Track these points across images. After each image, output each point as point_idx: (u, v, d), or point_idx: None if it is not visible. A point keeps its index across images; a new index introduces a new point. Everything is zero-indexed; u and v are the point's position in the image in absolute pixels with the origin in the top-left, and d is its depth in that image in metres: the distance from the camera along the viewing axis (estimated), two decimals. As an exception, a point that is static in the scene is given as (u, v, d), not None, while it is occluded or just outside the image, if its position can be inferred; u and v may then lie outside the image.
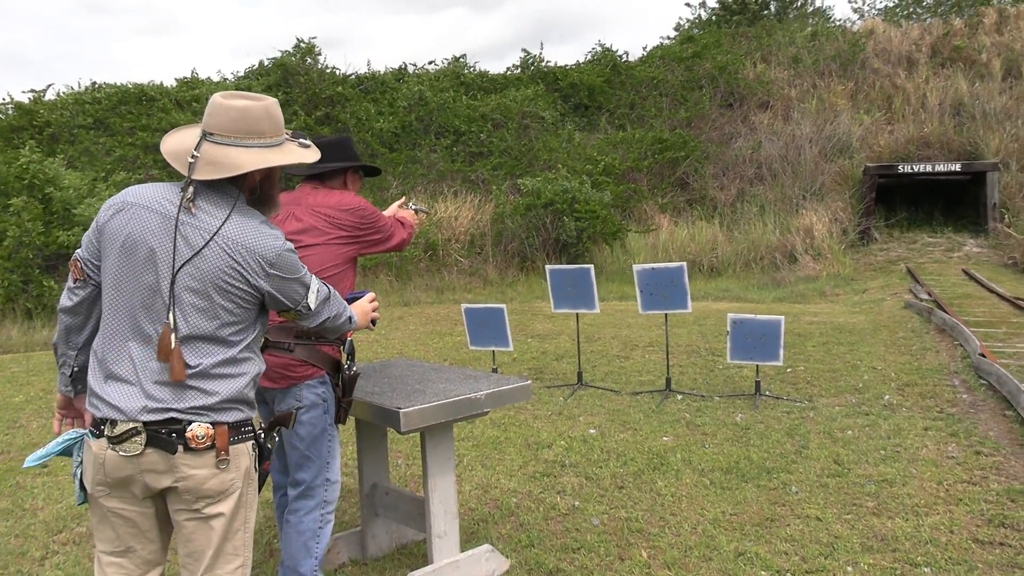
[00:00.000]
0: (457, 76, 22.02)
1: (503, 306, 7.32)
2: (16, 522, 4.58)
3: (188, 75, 20.85)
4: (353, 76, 20.92)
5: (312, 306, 2.42)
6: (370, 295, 2.88)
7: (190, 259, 2.20)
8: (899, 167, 18.75)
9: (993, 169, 18.12)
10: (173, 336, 2.18)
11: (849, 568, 3.64)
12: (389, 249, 3.49)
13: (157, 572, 2.36)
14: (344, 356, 3.18)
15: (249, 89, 19.27)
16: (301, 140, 2.43)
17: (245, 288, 2.25)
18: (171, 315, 2.19)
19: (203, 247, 2.20)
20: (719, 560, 3.78)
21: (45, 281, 12.17)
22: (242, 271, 2.23)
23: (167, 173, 16.50)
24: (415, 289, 14.83)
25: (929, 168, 18.60)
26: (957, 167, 18.46)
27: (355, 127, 18.88)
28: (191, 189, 2.24)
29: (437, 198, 17.37)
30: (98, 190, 13.22)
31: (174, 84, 20.13)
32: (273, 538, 4.17)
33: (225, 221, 2.23)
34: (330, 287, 2.54)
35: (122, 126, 17.95)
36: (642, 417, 6.25)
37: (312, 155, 2.43)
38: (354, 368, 3.14)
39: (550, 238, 16.36)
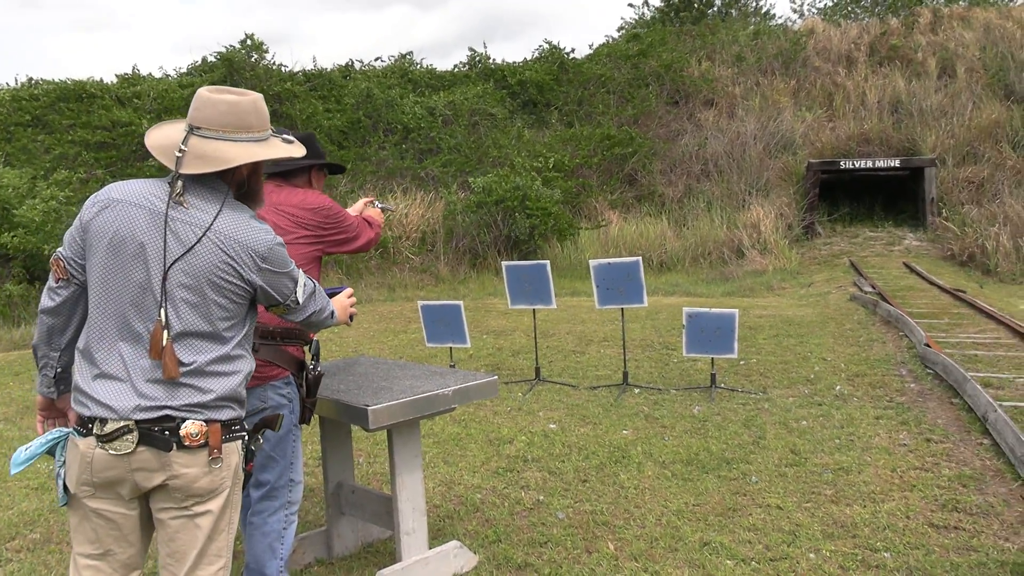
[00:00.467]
0: (404, 73, 21.93)
1: (460, 303, 7.30)
2: (-35, 531, 4.44)
3: (129, 71, 20.40)
4: (300, 73, 20.68)
5: (300, 300, 2.41)
6: (348, 290, 2.88)
7: (182, 255, 2.16)
8: (841, 163, 19.18)
9: (931, 165, 18.64)
10: (165, 333, 2.14)
11: (812, 555, 3.72)
12: (356, 249, 3.46)
13: None
14: (309, 356, 3.15)
15: (191, 86, 18.93)
16: (284, 136, 2.42)
17: (238, 283, 2.23)
18: (163, 312, 2.15)
19: (195, 243, 2.17)
20: (685, 551, 3.83)
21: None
22: (235, 266, 2.21)
23: (109, 172, 16.15)
24: (367, 287, 14.73)
25: (870, 164, 19.07)
26: (896, 163, 18.96)
27: (303, 124, 18.66)
28: (180, 184, 2.20)
29: (387, 195, 17.27)
30: (38, 189, 12.86)
31: (115, 80, 19.69)
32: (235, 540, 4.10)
33: (217, 216, 2.20)
34: (315, 282, 2.52)
35: (61, 123, 17.50)
36: (601, 411, 6.29)
37: (297, 150, 2.41)
38: (318, 368, 3.11)
39: (501, 235, 16.39)
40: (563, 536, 4.03)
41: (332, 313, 2.61)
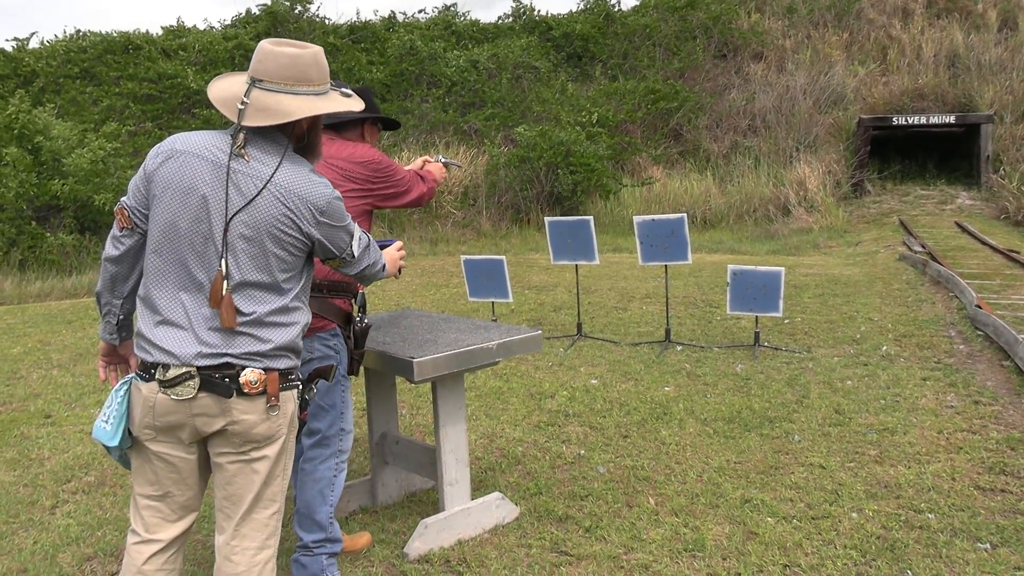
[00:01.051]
0: (448, 25, 21.74)
1: (503, 257, 7.30)
2: (24, 472, 4.60)
3: (174, 23, 20.51)
4: (345, 25, 20.61)
5: (355, 254, 2.44)
6: (398, 243, 2.90)
7: (243, 207, 2.19)
8: (893, 119, 18.71)
9: (987, 121, 18.10)
10: (225, 283, 2.17)
11: (854, 515, 3.70)
12: (407, 204, 3.45)
13: (192, 517, 2.39)
14: (355, 309, 3.17)
15: (236, 38, 18.98)
16: (343, 89, 2.42)
17: (297, 236, 2.25)
18: (223, 262, 2.18)
19: (256, 195, 2.19)
20: (725, 507, 3.83)
21: (39, 233, 12.08)
22: (294, 218, 2.23)
23: (157, 125, 16.33)
24: (409, 241, 14.79)
25: (923, 120, 18.57)
26: (951, 119, 18.43)
27: (345, 77, 18.65)
28: (242, 136, 2.22)
29: (429, 149, 17.25)
30: (88, 140, 13.05)
31: (160, 32, 19.80)
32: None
33: (277, 169, 2.22)
34: (368, 235, 2.54)
35: (109, 75, 17.68)
36: (643, 368, 6.28)
37: (356, 104, 2.42)
38: (365, 320, 3.14)
39: (544, 191, 16.30)
40: (604, 490, 4.06)
41: (383, 266, 2.63)
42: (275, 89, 2.25)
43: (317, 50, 2.33)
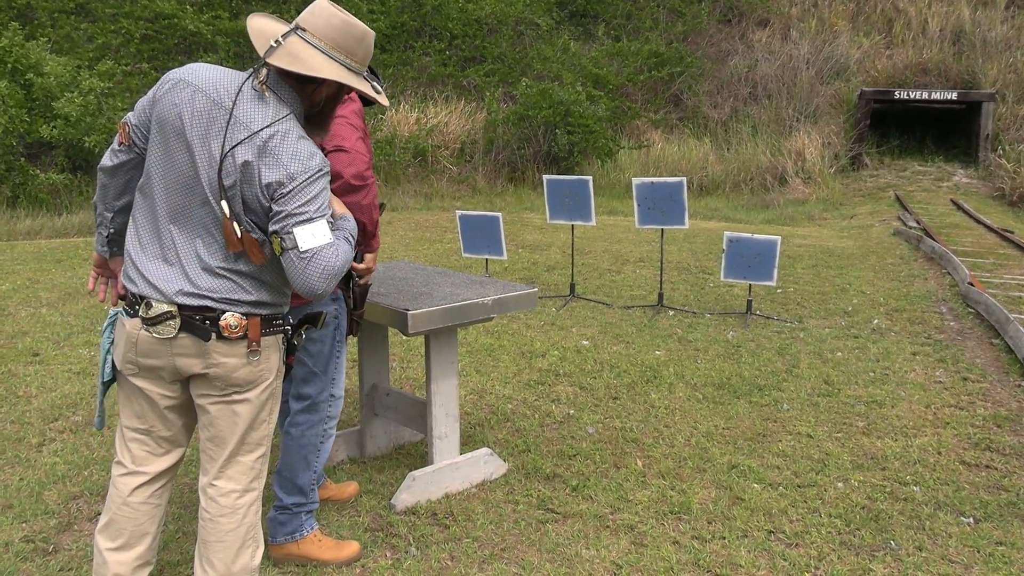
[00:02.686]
0: (451, -23, 21.35)
1: (498, 214, 7.25)
2: (11, 408, 4.58)
3: (173, -38, 20.06)
4: (345, -29, 20.23)
5: (301, 247, 2.11)
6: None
7: (230, 151, 2.12)
8: (895, 93, 18.58)
9: (989, 100, 18.02)
10: (235, 225, 2.13)
11: (840, 484, 3.72)
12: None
13: (179, 453, 2.39)
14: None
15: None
16: (375, 84, 2.36)
17: (261, 195, 2.14)
18: (224, 204, 2.13)
19: (236, 144, 2.12)
20: (712, 472, 3.85)
21: (29, 169, 11.93)
22: (264, 176, 2.12)
23: (153, 67, 16.07)
24: (403, 195, 14.69)
25: (925, 96, 18.46)
26: (953, 96, 18.33)
27: (345, 25, 18.35)
28: (265, 72, 2.17)
29: (428, 102, 17.06)
30: (80, 79, 12.84)
31: (158, -30, 19.38)
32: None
33: (272, 123, 2.14)
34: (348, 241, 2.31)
35: (105, 12, 17.34)
36: (634, 331, 6.28)
37: (382, 100, 2.37)
38: (364, 280, 3.09)
39: (541, 150, 16.18)
40: (592, 450, 4.07)
41: (326, 274, 2.16)
42: (315, 44, 2.20)
43: (369, 32, 2.29)
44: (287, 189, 2.12)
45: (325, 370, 3.12)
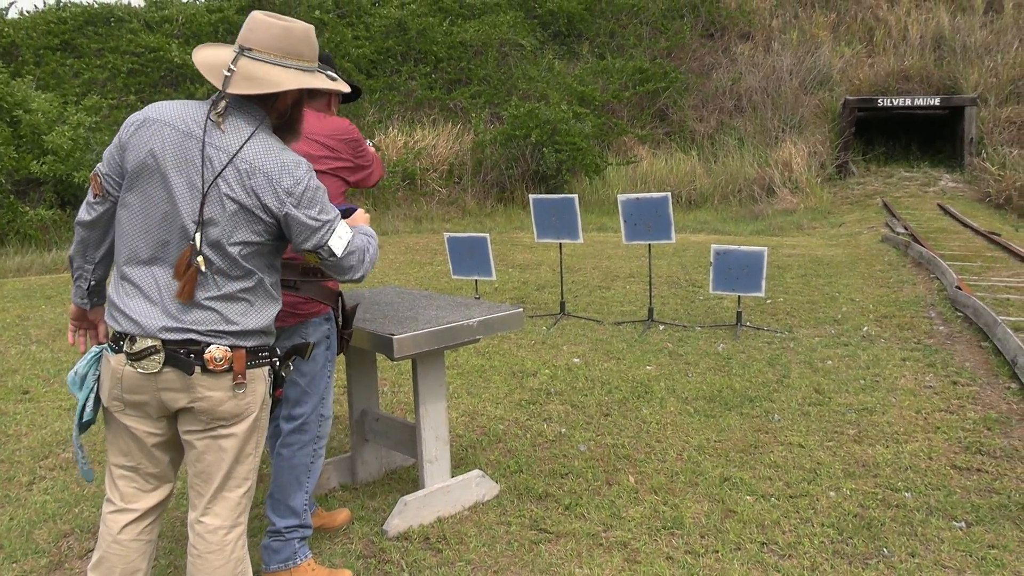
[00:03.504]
0: (435, 1, 21.52)
1: (486, 235, 7.28)
2: (0, 448, 4.56)
3: (157, -5, 20.19)
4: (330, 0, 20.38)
5: (338, 253, 2.28)
6: (360, 210, 2.78)
7: (214, 181, 2.14)
8: (879, 100, 18.74)
9: (971, 104, 18.16)
10: (195, 259, 2.14)
11: (832, 493, 3.73)
12: (371, 184, 3.41)
13: (167, 489, 2.38)
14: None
15: (220, 11, 18.75)
16: (329, 72, 2.37)
17: (261, 215, 2.18)
18: (198, 236, 2.14)
19: (222, 169, 2.14)
20: (705, 485, 3.85)
21: (18, 206, 11.93)
22: (257, 195, 2.16)
23: (140, 99, 16.13)
24: (393, 218, 14.73)
25: (908, 102, 18.61)
26: (936, 101, 18.48)
27: (332, 52, 18.46)
28: (223, 104, 2.17)
29: (415, 126, 17.13)
30: (67, 114, 12.88)
31: (143, 4, 19.52)
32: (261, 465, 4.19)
33: (245, 142, 2.16)
34: (367, 237, 2.43)
35: (90, 48, 17.42)
36: (625, 347, 6.29)
37: (343, 86, 2.40)
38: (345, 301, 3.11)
39: (529, 169, 16.25)
40: (584, 468, 4.07)
41: (369, 260, 2.42)
42: (264, 59, 2.21)
43: (309, 27, 2.30)
44: (294, 205, 2.18)
45: (317, 389, 3.14)
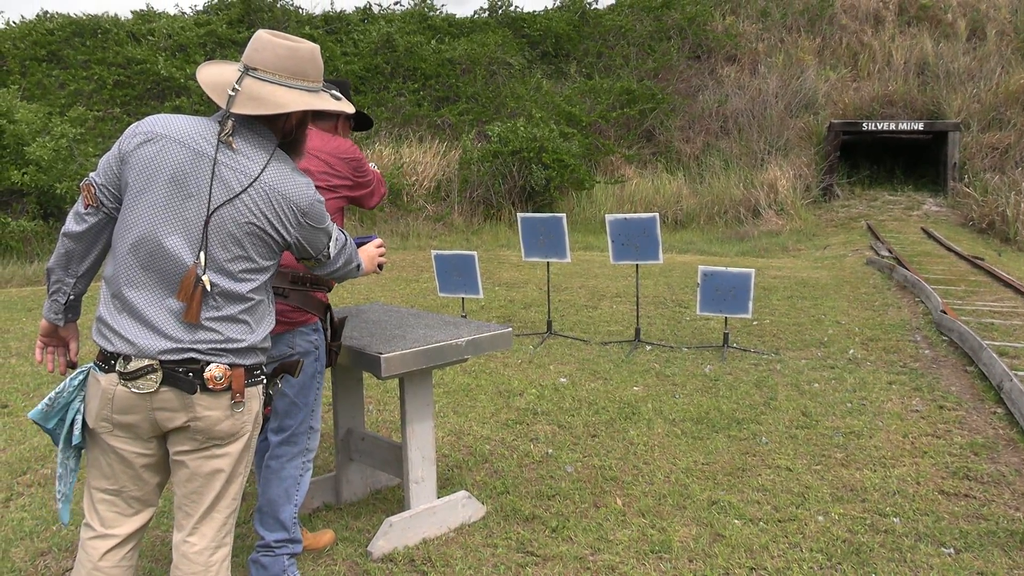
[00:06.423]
0: (424, 19, 21.61)
1: (474, 253, 7.26)
2: (-23, 463, 4.48)
3: (144, 7, 20.18)
4: (319, 16, 20.41)
5: (331, 255, 2.41)
6: (377, 240, 2.85)
7: (226, 202, 2.11)
8: (863, 124, 18.91)
9: (955, 129, 18.35)
10: (200, 278, 2.10)
11: (820, 518, 3.70)
12: (372, 204, 3.41)
13: (149, 513, 2.31)
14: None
15: (208, 24, 18.73)
16: (333, 92, 2.35)
17: (276, 236, 2.20)
18: (202, 255, 2.10)
19: (242, 191, 2.12)
20: (693, 508, 3.82)
21: (0, 218, 11.83)
22: (277, 219, 2.18)
23: (125, 111, 16.06)
24: (379, 235, 14.67)
25: (892, 126, 18.79)
26: (920, 126, 18.67)
27: (319, 68, 18.45)
28: (230, 123, 2.14)
29: (402, 143, 17.13)
30: (52, 125, 12.79)
31: (129, 16, 19.48)
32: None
33: (265, 166, 2.15)
34: (346, 234, 2.49)
35: (76, 59, 17.34)
36: (612, 367, 6.27)
37: (347, 107, 2.38)
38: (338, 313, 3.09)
39: (516, 186, 16.27)
40: (571, 490, 4.03)
41: (359, 266, 2.59)
42: (270, 80, 2.18)
43: (315, 47, 2.28)
44: (309, 225, 2.26)
45: (306, 401, 3.12)
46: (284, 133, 2.25)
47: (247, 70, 2.18)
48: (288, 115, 2.22)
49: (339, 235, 2.44)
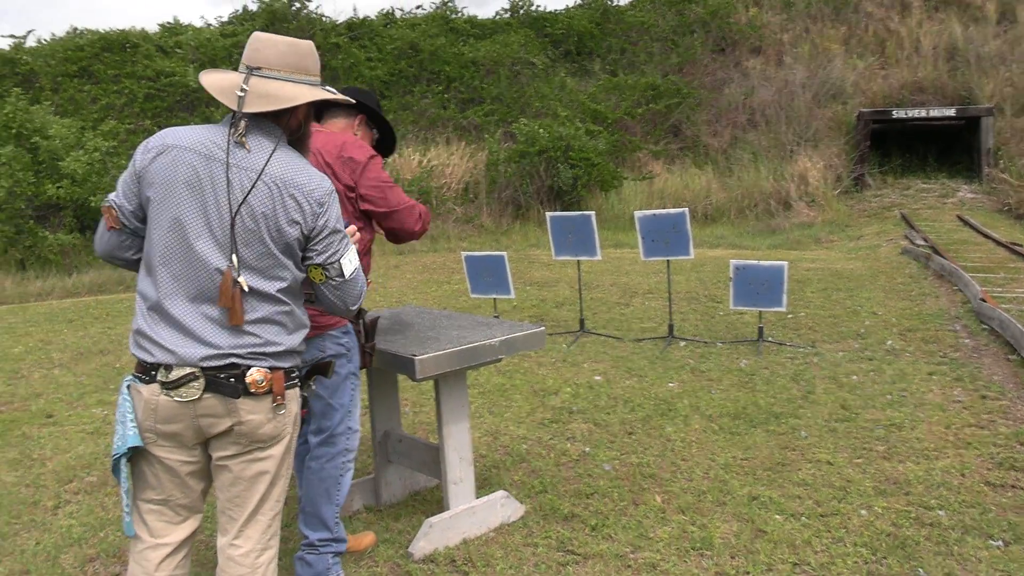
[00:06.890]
0: (446, 21, 21.65)
1: (504, 253, 7.26)
2: (25, 472, 4.56)
3: (170, 20, 20.43)
4: (343, 23, 20.53)
5: (345, 273, 2.30)
6: (352, 227, 2.58)
7: (243, 201, 2.14)
8: (893, 112, 18.64)
9: (987, 114, 18.04)
10: (237, 280, 2.13)
11: (863, 512, 3.66)
12: (393, 228, 3.26)
13: (197, 519, 2.34)
14: None
15: (234, 35, 18.91)
16: (327, 87, 2.38)
17: (295, 229, 2.19)
18: (234, 258, 2.13)
19: (251, 188, 2.14)
20: (733, 504, 3.79)
21: (38, 231, 12.03)
22: (292, 209, 2.18)
23: (156, 123, 16.26)
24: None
25: (923, 113, 18.50)
26: (951, 112, 18.37)
27: (345, 76, 18.58)
28: (243, 124, 2.17)
29: (429, 145, 17.19)
30: (85, 139, 13.00)
31: (157, 30, 19.72)
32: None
33: (269, 159, 2.17)
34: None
35: (107, 74, 17.59)
36: (647, 364, 6.24)
37: (343, 99, 2.43)
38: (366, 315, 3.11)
39: (544, 185, 16.25)
40: (610, 488, 4.02)
41: (362, 292, 2.42)
42: (275, 76, 2.22)
43: (311, 43, 2.32)
44: (321, 221, 2.22)
45: (342, 402, 3.14)
46: (291, 130, 2.28)
47: (251, 70, 2.22)
48: (294, 111, 2.26)
49: (355, 257, 2.34)
